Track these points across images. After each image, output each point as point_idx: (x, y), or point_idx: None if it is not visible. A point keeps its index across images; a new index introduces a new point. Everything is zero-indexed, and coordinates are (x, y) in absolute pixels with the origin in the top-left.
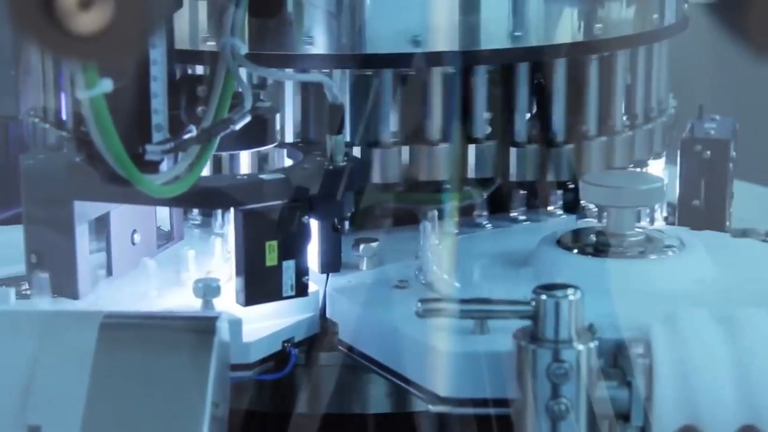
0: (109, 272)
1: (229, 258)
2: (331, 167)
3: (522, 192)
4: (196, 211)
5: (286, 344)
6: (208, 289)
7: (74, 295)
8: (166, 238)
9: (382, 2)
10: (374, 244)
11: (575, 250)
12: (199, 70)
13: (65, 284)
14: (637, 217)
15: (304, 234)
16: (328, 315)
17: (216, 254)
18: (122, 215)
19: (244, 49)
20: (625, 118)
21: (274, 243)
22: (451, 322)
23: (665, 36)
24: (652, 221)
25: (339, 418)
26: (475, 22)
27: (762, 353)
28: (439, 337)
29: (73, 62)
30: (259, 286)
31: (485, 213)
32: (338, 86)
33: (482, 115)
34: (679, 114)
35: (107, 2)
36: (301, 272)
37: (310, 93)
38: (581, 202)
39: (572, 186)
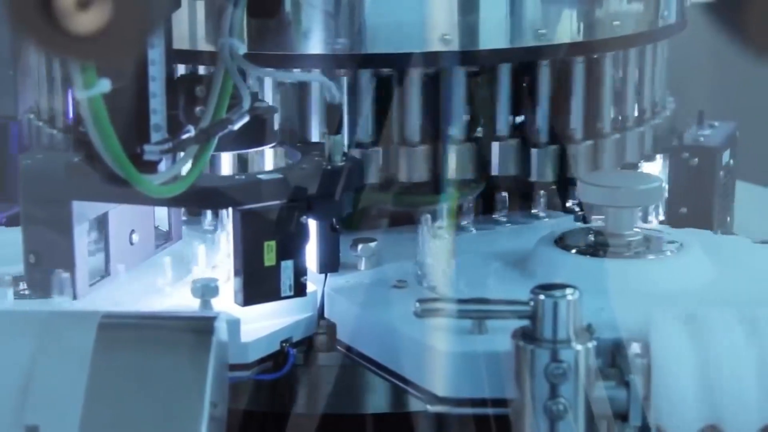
0: (108, 272)
1: (223, 260)
2: (329, 167)
3: (521, 192)
4: (209, 214)
5: (284, 344)
6: (206, 289)
7: (72, 295)
8: (164, 238)
9: (381, 2)
10: (372, 244)
11: (573, 250)
12: (198, 69)
13: (63, 284)
14: (636, 217)
15: (302, 234)
16: (326, 315)
17: (214, 254)
18: (121, 215)
19: (242, 49)
20: (621, 118)
21: (273, 243)
22: (450, 322)
23: (663, 36)
24: (645, 221)
25: (337, 418)
26: (473, 22)
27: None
28: (437, 337)
29: (71, 62)
30: (258, 286)
31: (505, 210)
32: (336, 87)
33: (499, 114)
34: (677, 114)
35: (105, 2)
36: (300, 272)
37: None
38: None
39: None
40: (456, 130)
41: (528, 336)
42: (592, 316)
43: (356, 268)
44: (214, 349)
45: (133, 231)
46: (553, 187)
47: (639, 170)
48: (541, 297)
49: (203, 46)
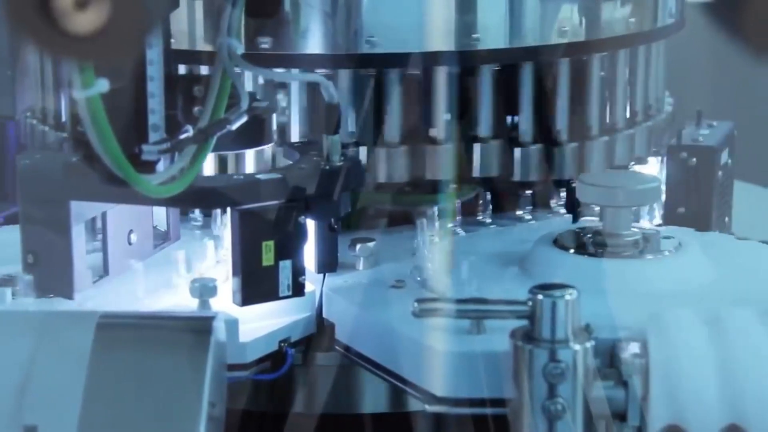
0: (106, 272)
1: (221, 260)
2: (327, 167)
3: (520, 192)
4: (197, 211)
5: (282, 344)
6: (204, 289)
7: (70, 295)
8: (162, 238)
9: (379, 2)
10: (371, 244)
11: (572, 250)
12: (196, 70)
13: (62, 284)
14: (634, 216)
15: (300, 234)
16: (324, 315)
17: (212, 254)
18: (119, 215)
19: (240, 49)
20: (621, 118)
21: (271, 243)
22: (448, 322)
23: (661, 36)
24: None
25: (336, 418)
26: (471, 22)
27: (746, 353)
28: (435, 337)
29: (69, 62)
30: (256, 286)
31: (482, 213)
32: (336, 86)
33: (482, 114)
34: (675, 114)
35: (104, 2)
36: (298, 272)
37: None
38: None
39: (573, 185)
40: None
41: (526, 336)
42: (589, 316)
43: (354, 268)
44: (213, 349)
45: (131, 231)
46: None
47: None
48: (540, 297)
49: (202, 46)
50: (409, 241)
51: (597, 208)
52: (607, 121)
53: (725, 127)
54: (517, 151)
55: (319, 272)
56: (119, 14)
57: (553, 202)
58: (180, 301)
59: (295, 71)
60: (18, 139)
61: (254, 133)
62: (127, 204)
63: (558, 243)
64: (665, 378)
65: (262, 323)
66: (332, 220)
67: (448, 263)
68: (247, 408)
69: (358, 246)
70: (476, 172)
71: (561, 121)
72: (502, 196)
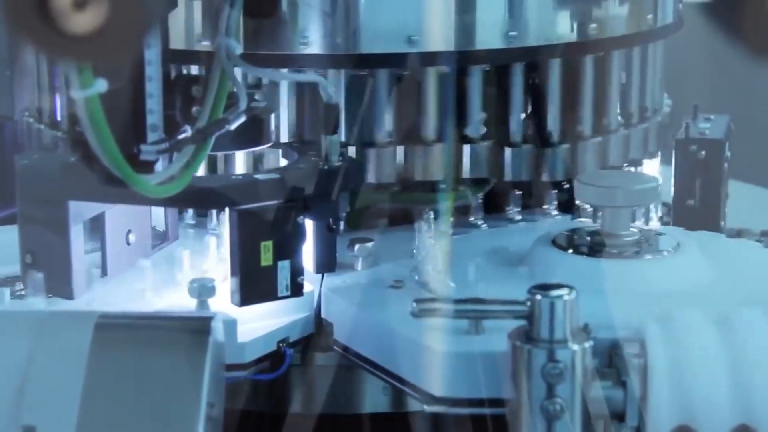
0: (104, 272)
1: (222, 258)
2: (326, 167)
3: (517, 192)
4: (190, 211)
5: (281, 344)
6: (203, 289)
7: (69, 295)
8: (161, 239)
9: (378, 2)
10: (369, 244)
11: (570, 250)
12: (194, 70)
13: (60, 284)
14: (633, 217)
15: (299, 234)
16: (323, 315)
17: (211, 254)
18: (117, 215)
19: (239, 50)
20: (619, 117)
21: (269, 243)
22: (446, 322)
23: (660, 36)
24: (647, 221)
25: (334, 418)
26: (470, 22)
27: (756, 353)
28: (434, 337)
29: (68, 62)
30: (254, 286)
31: (480, 213)
32: (333, 86)
33: (477, 115)
34: (673, 114)
35: (102, 2)
36: (296, 272)
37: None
38: (576, 201)
39: (567, 186)
40: (457, 129)
41: (525, 336)
42: (587, 316)
43: (353, 268)
44: (211, 349)
45: (129, 231)
46: (566, 186)
47: (637, 170)
48: (538, 297)
49: (200, 46)
50: (408, 241)
51: (590, 209)
52: (601, 122)
53: (723, 120)
54: (508, 151)
55: (317, 272)
56: (117, 14)
57: (551, 202)
58: (178, 301)
59: (290, 71)
60: (16, 139)
61: (252, 133)
62: (126, 204)
63: (556, 243)
64: (675, 378)
65: (260, 323)
66: (331, 220)
67: (447, 263)
68: (246, 408)
69: (357, 246)
70: (476, 173)
71: (559, 122)
72: (498, 197)
